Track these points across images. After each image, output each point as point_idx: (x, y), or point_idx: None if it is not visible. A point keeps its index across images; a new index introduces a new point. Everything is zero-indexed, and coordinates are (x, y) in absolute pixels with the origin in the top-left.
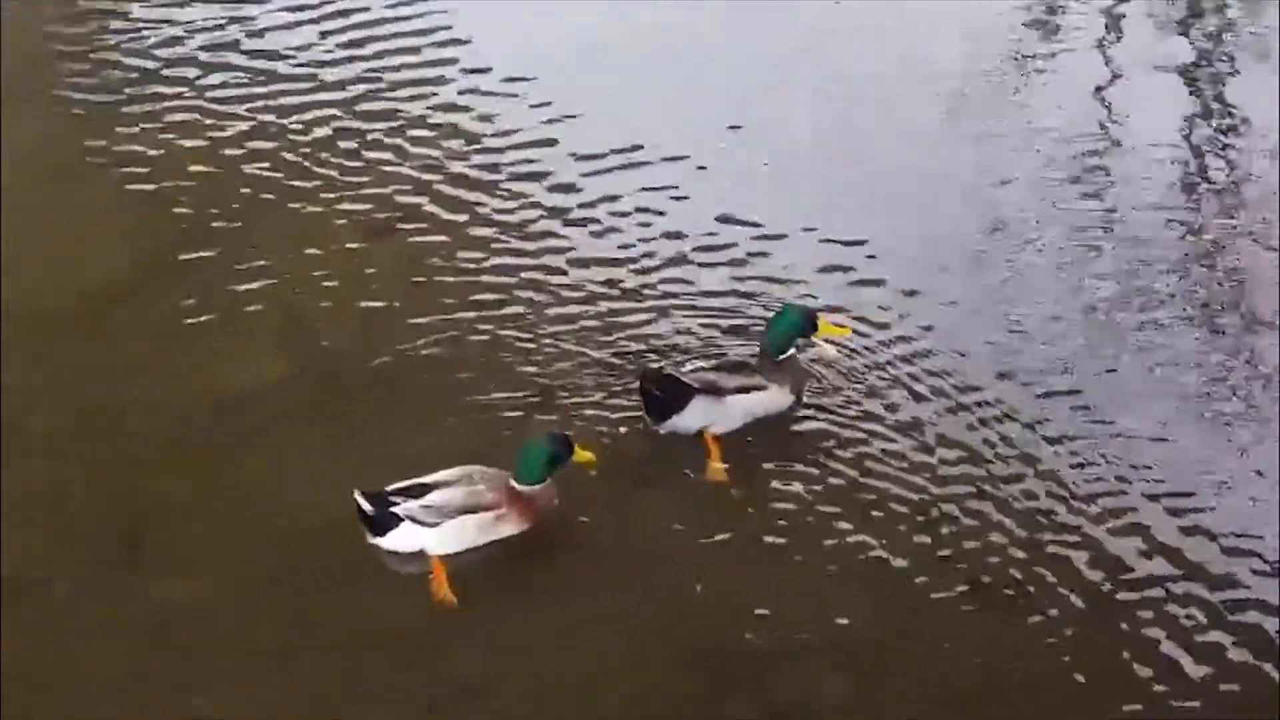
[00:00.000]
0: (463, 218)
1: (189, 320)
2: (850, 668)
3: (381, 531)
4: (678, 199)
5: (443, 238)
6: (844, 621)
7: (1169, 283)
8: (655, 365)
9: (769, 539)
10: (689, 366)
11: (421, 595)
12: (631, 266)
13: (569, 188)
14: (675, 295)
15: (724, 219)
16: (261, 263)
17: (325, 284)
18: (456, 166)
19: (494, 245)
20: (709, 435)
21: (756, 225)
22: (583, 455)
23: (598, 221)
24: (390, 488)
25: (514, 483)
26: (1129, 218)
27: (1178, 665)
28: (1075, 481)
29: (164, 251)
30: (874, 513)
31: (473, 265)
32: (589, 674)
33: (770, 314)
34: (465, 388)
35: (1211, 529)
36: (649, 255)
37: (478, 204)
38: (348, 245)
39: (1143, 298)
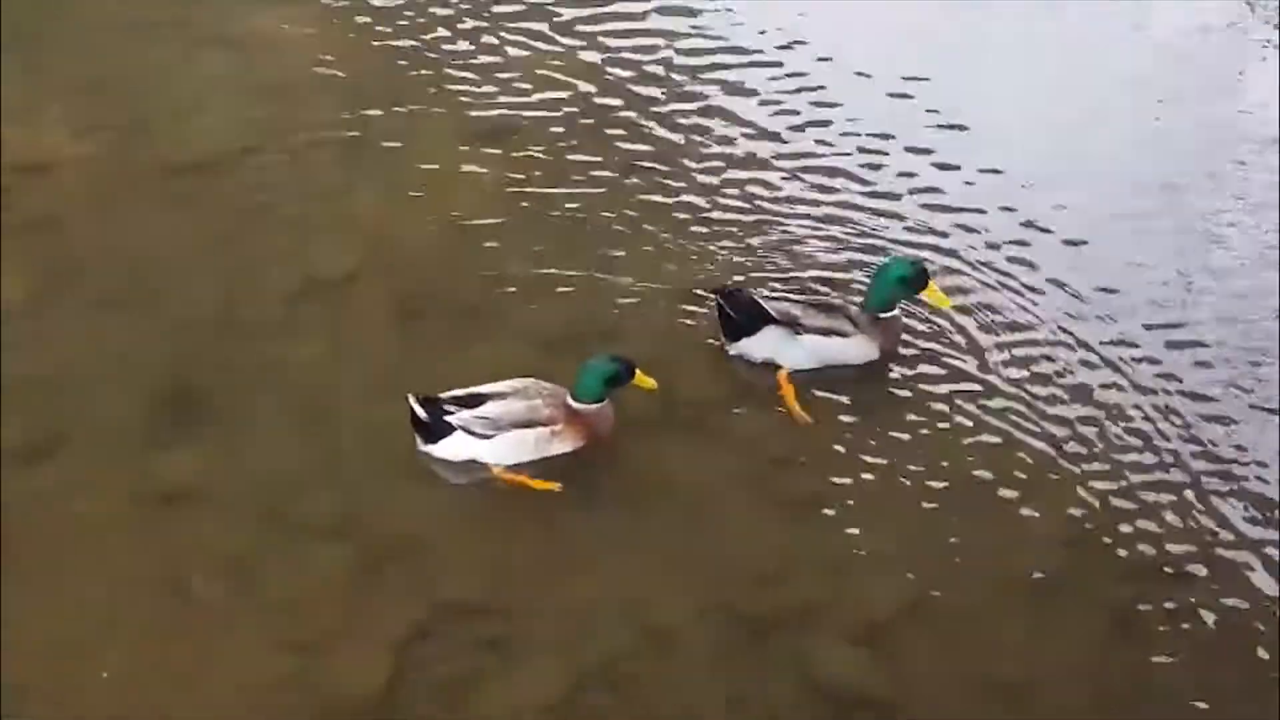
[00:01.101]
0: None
1: (282, 201)
2: (870, 644)
3: (434, 439)
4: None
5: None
6: (871, 597)
7: None
8: (737, 285)
9: (823, 498)
10: (779, 295)
11: (453, 506)
12: (783, 176)
13: (743, 89)
14: (813, 217)
15: (881, 135)
16: (387, 147)
17: (426, 182)
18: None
19: (642, 134)
20: (781, 375)
21: (929, 151)
22: (644, 380)
23: (755, 124)
24: (445, 395)
25: (571, 400)
26: None
27: None
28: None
29: (278, 130)
30: (945, 487)
31: (588, 161)
32: (603, 605)
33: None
34: (550, 301)
35: None
36: (796, 166)
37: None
38: (461, 148)
39: None
